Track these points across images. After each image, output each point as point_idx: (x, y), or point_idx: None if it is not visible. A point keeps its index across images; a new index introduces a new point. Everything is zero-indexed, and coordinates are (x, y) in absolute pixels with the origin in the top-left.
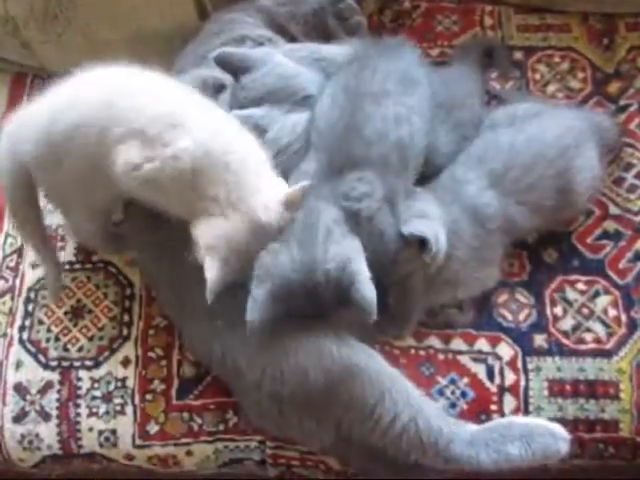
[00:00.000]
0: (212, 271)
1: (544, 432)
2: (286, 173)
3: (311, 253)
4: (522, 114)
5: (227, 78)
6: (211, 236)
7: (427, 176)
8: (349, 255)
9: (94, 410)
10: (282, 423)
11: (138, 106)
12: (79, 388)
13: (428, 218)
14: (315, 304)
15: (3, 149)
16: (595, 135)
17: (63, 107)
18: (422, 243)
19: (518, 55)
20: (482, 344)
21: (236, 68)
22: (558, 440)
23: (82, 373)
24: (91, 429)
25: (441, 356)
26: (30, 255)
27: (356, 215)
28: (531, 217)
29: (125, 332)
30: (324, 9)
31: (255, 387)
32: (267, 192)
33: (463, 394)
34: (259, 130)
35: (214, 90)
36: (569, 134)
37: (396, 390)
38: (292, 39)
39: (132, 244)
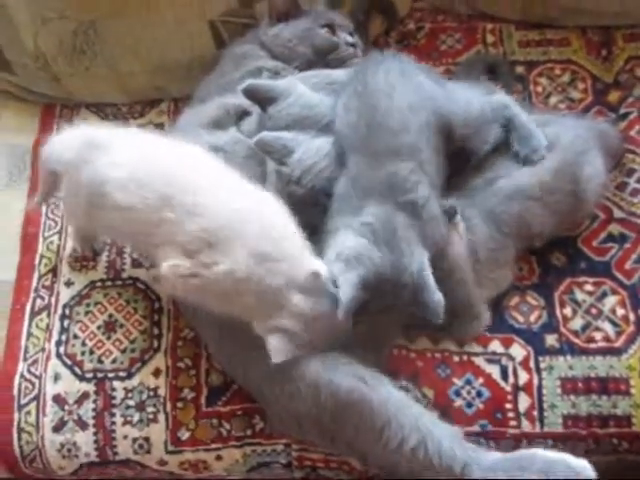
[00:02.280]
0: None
1: (566, 469)
2: (312, 191)
3: (399, 255)
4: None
5: (248, 104)
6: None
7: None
8: (423, 259)
9: (128, 419)
10: (302, 435)
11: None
12: (113, 398)
13: None
14: (393, 302)
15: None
16: (599, 143)
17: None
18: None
19: (520, 69)
20: (495, 345)
21: (263, 99)
22: (580, 478)
23: (116, 384)
24: (126, 437)
25: (456, 358)
26: (64, 274)
27: (413, 205)
28: (546, 222)
29: (155, 344)
30: (312, 61)
31: (274, 402)
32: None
33: (479, 394)
34: (287, 151)
35: (236, 117)
36: (578, 141)
37: (403, 415)
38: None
39: None
